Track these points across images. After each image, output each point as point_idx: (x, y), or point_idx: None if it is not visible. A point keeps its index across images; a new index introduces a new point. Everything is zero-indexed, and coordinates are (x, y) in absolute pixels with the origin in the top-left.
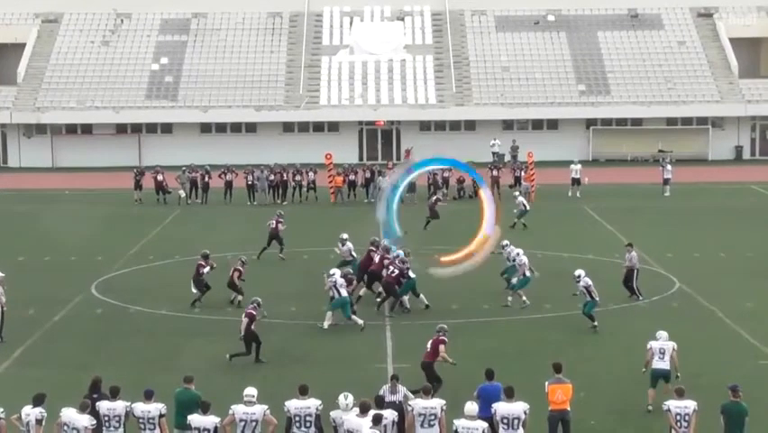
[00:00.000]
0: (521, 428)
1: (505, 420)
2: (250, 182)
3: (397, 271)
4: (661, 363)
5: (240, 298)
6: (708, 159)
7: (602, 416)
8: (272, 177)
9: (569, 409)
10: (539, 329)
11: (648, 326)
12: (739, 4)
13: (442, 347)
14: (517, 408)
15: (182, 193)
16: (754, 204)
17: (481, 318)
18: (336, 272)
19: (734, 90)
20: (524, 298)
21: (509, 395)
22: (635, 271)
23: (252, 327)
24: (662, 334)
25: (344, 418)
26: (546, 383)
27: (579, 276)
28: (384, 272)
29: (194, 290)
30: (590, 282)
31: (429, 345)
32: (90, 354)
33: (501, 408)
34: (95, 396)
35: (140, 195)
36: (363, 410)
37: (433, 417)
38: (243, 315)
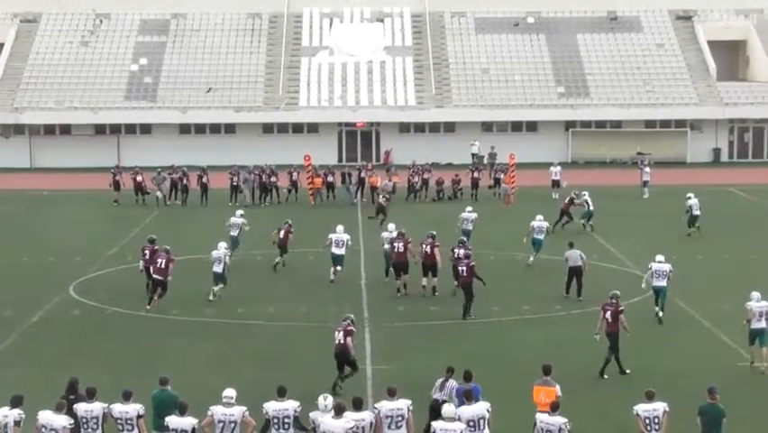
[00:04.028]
0: (486, 427)
1: (471, 423)
2: (234, 183)
3: (465, 269)
4: (758, 324)
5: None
6: (687, 161)
7: (581, 416)
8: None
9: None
10: (518, 331)
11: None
12: (717, 6)
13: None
14: (480, 408)
15: (159, 194)
16: (731, 206)
17: (462, 320)
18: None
19: (712, 93)
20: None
21: (468, 397)
22: (568, 269)
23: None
24: (756, 294)
25: (320, 420)
26: (534, 384)
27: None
28: (461, 270)
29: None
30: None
31: None
32: (68, 355)
33: (465, 412)
34: (71, 397)
35: (117, 196)
36: (338, 412)
37: (400, 418)
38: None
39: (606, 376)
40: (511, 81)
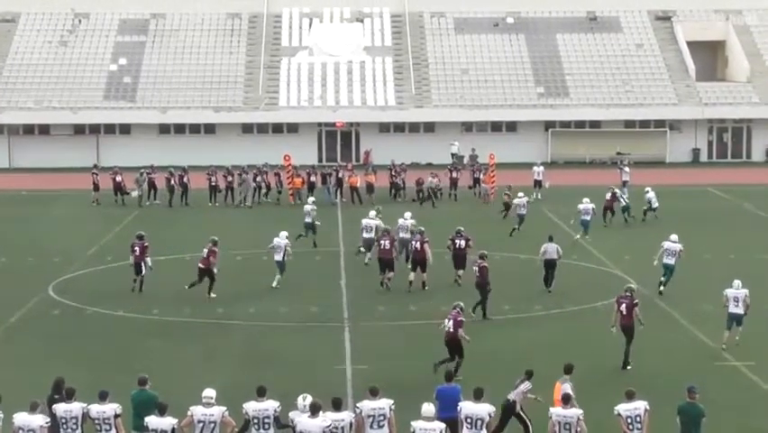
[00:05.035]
0: (484, 429)
1: (469, 420)
2: (213, 183)
3: (478, 269)
4: (736, 309)
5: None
6: (666, 161)
7: None
8: (230, 178)
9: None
10: (499, 331)
11: (605, 327)
12: (697, 7)
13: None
14: (482, 409)
15: (135, 194)
16: (710, 206)
17: (441, 320)
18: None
19: (691, 93)
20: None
21: (478, 396)
22: (543, 262)
23: None
24: (737, 282)
25: (297, 420)
26: (557, 382)
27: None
28: (474, 271)
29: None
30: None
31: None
32: (47, 355)
33: (467, 407)
34: (56, 397)
35: (97, 196)
36: (314, 411)
37: (382, 417)
38: None
39: (629, 367)
40: (491, 81)
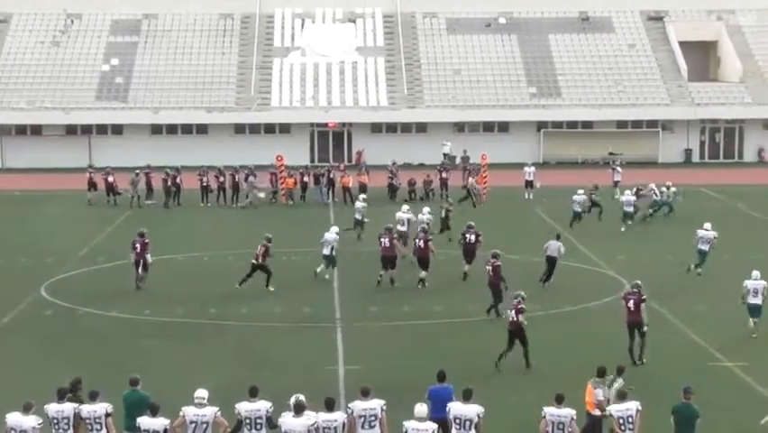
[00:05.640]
0: (473, 429)
1: (457, 421)
2: (204, 183)
3: (491, 269)
4: (755, 300)
5: None
6: (658, 161)
7: None
8: (222, 179)
9: (589, 411)
10: (494, 331)
11: (598, 328)
12: (689, 7)
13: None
14: (471, 410)
15: (129, 194)
16: (703, 207)
17: (434, 320)
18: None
19: (683, 93)
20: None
21: (466, 397)
22: (545, 258)
23: None
24: (756, 273)
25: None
26: (588, 383)
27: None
28: (487, 270)
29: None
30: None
31: None
32: (39, 355)
33: (456, 408)
34: (69, 396)
35: (92, 196)
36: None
37: (373, 418)
38: None
39: (644, 361)
40: (483, 82)
